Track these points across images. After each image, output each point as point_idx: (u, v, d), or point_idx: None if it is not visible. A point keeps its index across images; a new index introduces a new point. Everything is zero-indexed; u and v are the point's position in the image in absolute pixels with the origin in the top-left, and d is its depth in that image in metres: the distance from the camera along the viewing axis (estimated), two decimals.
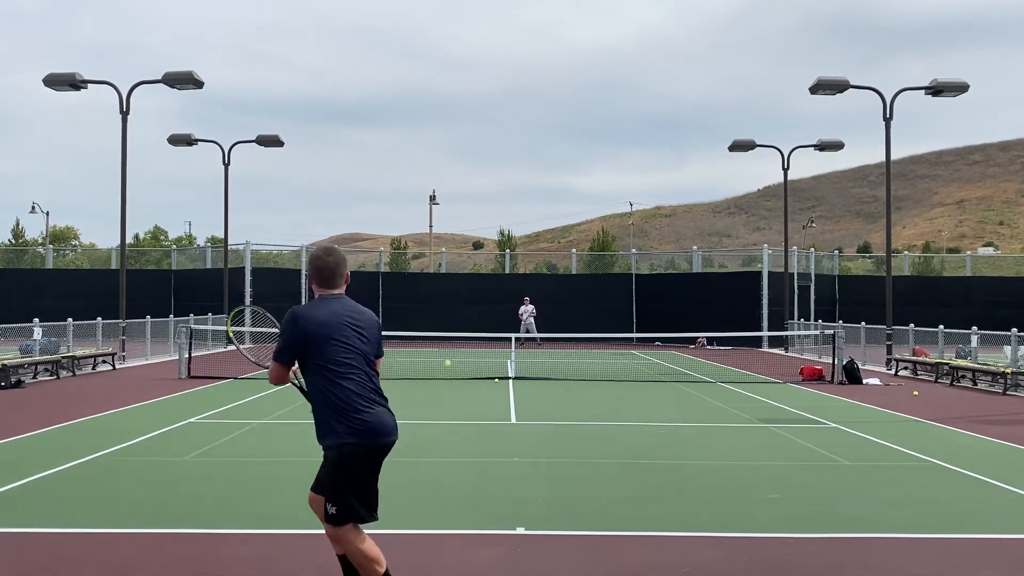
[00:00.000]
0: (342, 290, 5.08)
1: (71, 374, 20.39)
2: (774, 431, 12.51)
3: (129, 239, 39.29)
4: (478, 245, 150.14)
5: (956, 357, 21.26)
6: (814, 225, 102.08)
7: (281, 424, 12.88)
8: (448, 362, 17.97)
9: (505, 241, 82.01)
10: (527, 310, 35.22)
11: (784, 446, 11.28)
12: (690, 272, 40.03)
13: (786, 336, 32.15)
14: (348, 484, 4.88)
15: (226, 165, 33.34)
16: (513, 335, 24.85)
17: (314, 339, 4.83)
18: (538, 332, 33.26)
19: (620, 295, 39.10)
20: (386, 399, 5.05)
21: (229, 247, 34.67)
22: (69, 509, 7.65)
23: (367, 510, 5.04)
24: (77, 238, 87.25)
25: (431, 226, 78.37)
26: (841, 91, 25.42)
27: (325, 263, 5.01)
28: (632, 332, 36.77)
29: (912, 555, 6.42)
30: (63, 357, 20.32)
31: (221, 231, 34.86)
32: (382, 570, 5.13)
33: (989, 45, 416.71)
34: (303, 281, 37.72)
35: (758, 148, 33.35)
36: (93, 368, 22.05)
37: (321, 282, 5.03)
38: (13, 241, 73.81)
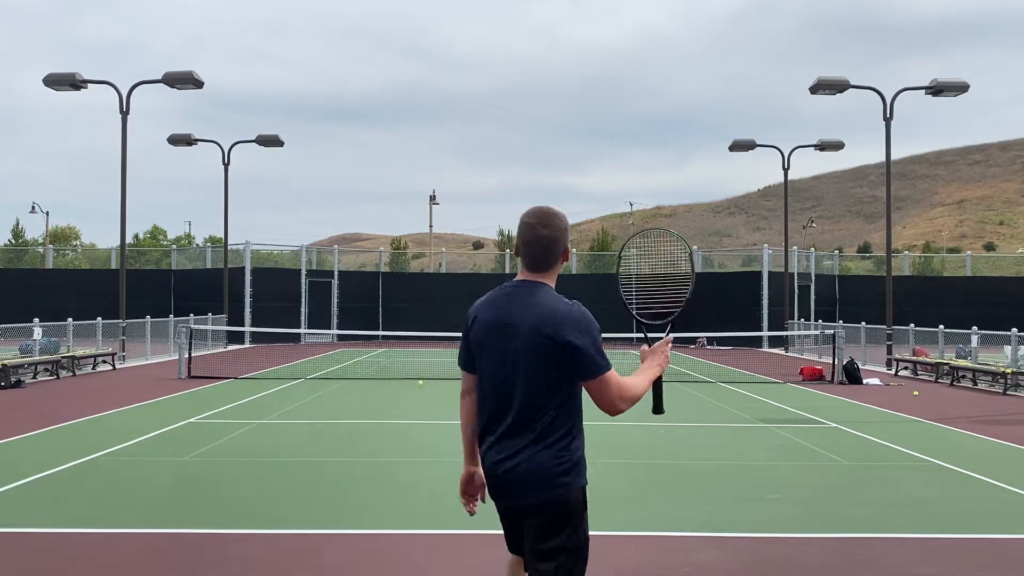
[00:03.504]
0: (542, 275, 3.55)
1: (71, 374, 20.39)
2: (774, 431, 12.51)
3: (129, 239, 39.29)
4: (478, 245, 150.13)
5: (956, 357, 21.27)
6: (814, 225, 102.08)
7: (281, 424, 12.88)
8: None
9: (505, 241, 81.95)
10: None
11: (784, 446, 11.28)
12: None
13: (786, 336, 32.15)
14: None
15: (226, 165, 33.37)
16: None
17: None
18: None
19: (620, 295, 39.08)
20: (523, 438, 3.44)
21: (229, 247, 34.68)
22: (69, 509, 7.65)
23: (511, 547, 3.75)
24: (77, 238, 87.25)
25: (431, 226, 78.40)
26: (841, 91, 25.43)
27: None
28: (632, 332, 36.74)
29: (912, 555, 6.42)
30: (63, 357, 20.33)
31: (221, 231, 34.94)
32: None
33: (989, 45, 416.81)
34: (303, 281, 37.77)
35: (758, 148, 33.37)
36: (93, 368, 22.05)
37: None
38: (13, 241, 73.81)
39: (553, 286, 3.51)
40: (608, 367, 3.38)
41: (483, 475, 3.62)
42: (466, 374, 3.65)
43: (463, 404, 3.68)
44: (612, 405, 3.42)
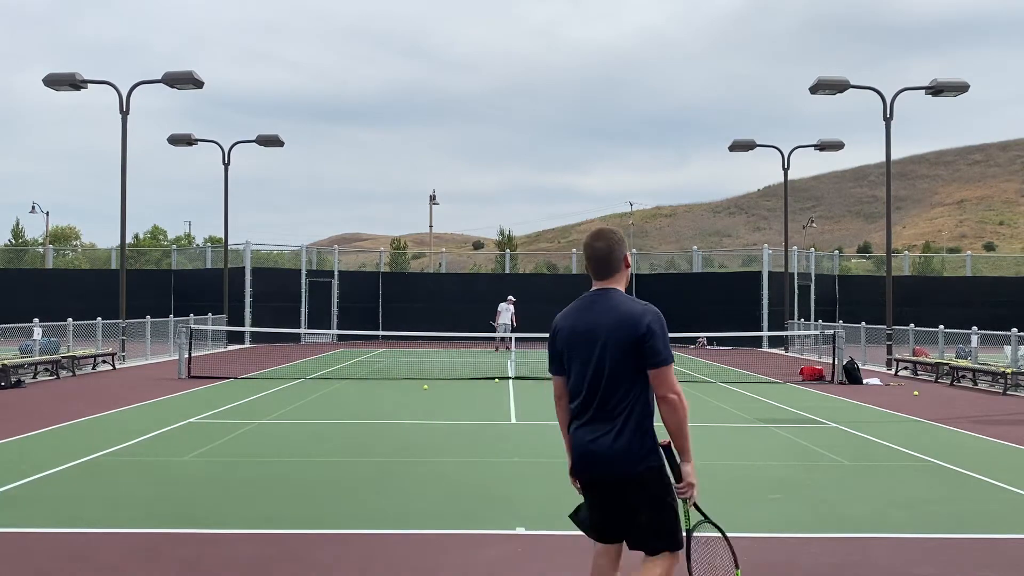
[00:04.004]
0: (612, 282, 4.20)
1: (71, 374, 20.39)
2: (774, 431, 12.51)
3: (129, 239, 39.30)
4: (478, 245, 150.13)
5: (956, 357, 21.26)
6: (814, 225, 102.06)
7: (281, 424, 12.88)
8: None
9: (505, 241, 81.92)
10: (508, 309, 32.67)
11: (784, 446, 11.28)
12: (690, 272, 40.05)
13: (786, 336, 32.15)
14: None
15: (226, 165, 33.37)
16: (514, 336, 24.90)
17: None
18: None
19: None
20: (612, 422, 4.02)
21: (229, 247, 34.68)
22: (69, 509, 7.65)
23: (588, 527, 4.35)
24: (77, 238, 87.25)
25: (431, 226, 78.40)
26: (841, 91, 25.42)
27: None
28: None
29: (912, 555, 6.42)
30: (63, 357, 20.33)
31: (221, 231, 34.93)
32: None
33: (989, 45, 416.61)
34: (303, 281, 37.78)
35: (758, 148, 33.36)
36: (93, 368, 22.05)
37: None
38: (13, 241, 73.79)
39: (623, 289, 4.15)
40: (670, 360, 3.98)
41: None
42: (557, 379, 4.24)
43: (558, 408, 4.27)
44: (667, 388, 3.95)
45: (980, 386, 19.08)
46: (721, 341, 33.96)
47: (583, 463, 4.09)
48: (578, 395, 4.10)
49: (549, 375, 4.31)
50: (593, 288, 4.21)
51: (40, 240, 69.15)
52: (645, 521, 4.03)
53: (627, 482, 4.00)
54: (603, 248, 4.16)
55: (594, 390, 4.02)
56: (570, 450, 4.18)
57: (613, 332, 3.98)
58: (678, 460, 4.10)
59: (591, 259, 4.19)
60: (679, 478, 4.10)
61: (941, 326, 22.64)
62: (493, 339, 32.79)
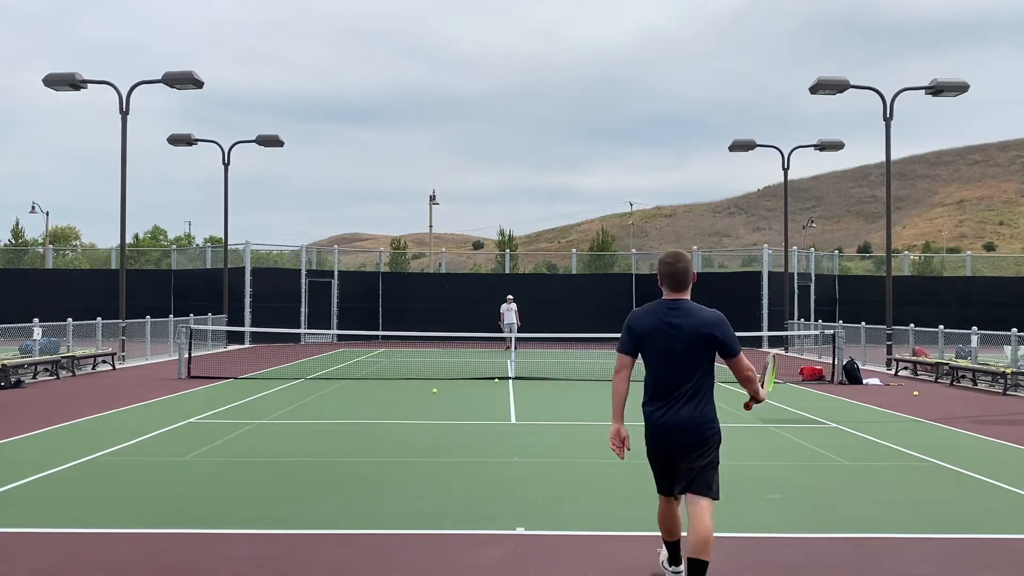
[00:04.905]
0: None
1: (71, 374, 20.40)
2: (774, 431, 12.51)
3: (129, 239, 39.30)
4: (478, 245, 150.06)
5: (956, 357, 21.26)
6: (814, 225, 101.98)
7: (281, 424, 12.88)
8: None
9: (506, 241, 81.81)
10: (511, 308, 33.18)
11: (784, 446, 11.28)
12: None
13: (786, 336, 32.15)
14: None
15: (226, 165, 33.38)
16: (514, 336, 24.90)
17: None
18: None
19: (620, 295, 39.08)
20: (691, 400, 5.31)
21: (229, 247, 34.69)
22: (69, 509, 7.65)
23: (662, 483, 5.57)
24: (77, 238, 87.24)
25: (431, 226, 78.38)
26: (841, 91, 25.42)
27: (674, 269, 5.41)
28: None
29: (912, 555, 6.42)
30: (63, 357, 20.33)
31: (221, 231, 34.93)
32: (670, 540, 5.69)
33: (989, 45, 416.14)
34: (303, 281, 37.79)
35: (758, 148, 33.34)
36: (93, 368, 22.06)
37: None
38: (13, 241, 73.72)
39: (689, 298, 5.36)
40: (741, 350, 5.34)
41: (626, 430, 5.48)
42: (623, 356, 5.41)
43: (619, 378, 5.43)
44: (745, 369, 5.41)
45: (980, 386, 19.08)
46: None
47: (667, 431, 5.31)
48: (662, 380, 5.29)
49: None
50: (667, 296, 5.34)
51: (40, 240, 69.14)
52: (708, 469, 5.26)
53: (700, 442, 5.26)
54: (683, 267, 5.34)
55: (676, 376, 5.24)
56: (619, 416, 5.45)
57: (693, 333, 5.19)
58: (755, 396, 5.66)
59: (672, 275, 5.33)
60: (759, 399, 5.72)
61: (941, 326, 22.65)
62: (495, 339, 32.78)
